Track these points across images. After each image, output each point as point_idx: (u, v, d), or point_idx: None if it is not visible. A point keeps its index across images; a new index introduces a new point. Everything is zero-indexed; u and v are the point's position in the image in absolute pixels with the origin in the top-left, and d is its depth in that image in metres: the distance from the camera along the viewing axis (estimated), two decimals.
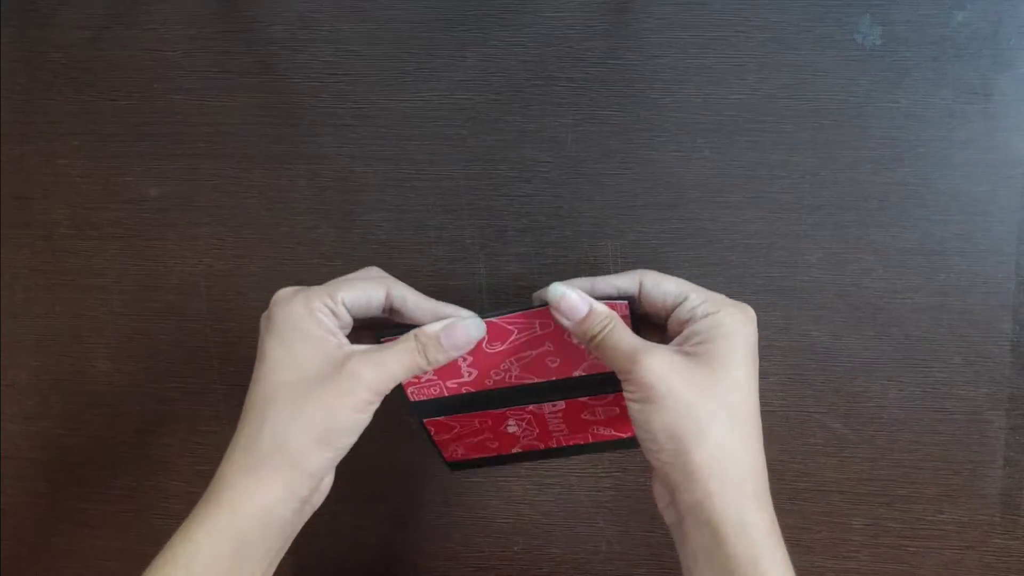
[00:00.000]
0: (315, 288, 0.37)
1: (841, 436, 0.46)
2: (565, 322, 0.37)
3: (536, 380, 0.41)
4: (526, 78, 0.46)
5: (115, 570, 0.53)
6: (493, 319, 0.38)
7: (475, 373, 0.40)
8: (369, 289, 0.37)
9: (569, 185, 0.46)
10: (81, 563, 0.53)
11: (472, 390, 0.41)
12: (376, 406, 0.36)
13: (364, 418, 0.35)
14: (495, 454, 0.46)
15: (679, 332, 0.37)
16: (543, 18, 0.45)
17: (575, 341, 0.39)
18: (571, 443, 0.45)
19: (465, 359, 0.40)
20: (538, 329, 0.39)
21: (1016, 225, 0.44)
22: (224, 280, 0.49)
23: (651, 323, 0.40)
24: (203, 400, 0.50)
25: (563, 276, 0.46)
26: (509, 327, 0.39)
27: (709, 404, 0.34)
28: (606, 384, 0.41)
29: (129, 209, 0.49)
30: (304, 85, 0.47)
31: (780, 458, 0.47)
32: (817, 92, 0.44)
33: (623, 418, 0.43)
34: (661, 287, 0.38)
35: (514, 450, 0.45)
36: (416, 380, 0.40)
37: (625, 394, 0.36)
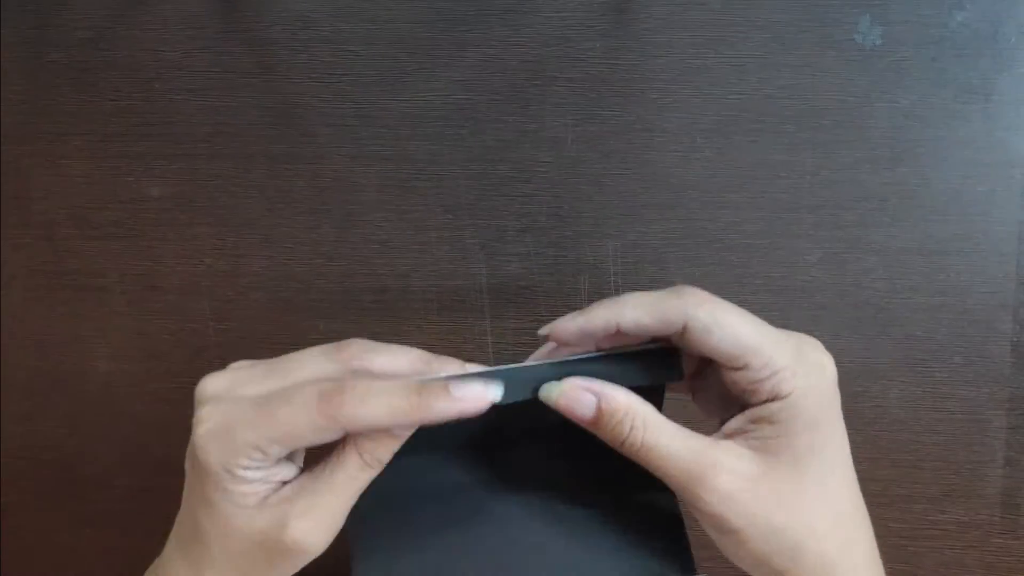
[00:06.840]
0: (241, 424, 0.28)
1: None
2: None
3: None
4: (526, 78, 0.46)
5: (115, 570, 0.53)
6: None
7: None
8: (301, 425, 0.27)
9: (569, 185, 0.46)
10: (81, 563, 0.53)
11: None
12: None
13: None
14: None
15: (737, 390, 0.29)
16: (543, 18, 0.45)
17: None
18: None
19: None
20: None
21: (1016, 225, 0.44)
22: (224, 280, 0.49)
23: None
24: None
25: (563, 276, 0.47)
26: None
27: (800, 520, 0.28)
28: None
29: (129, 209, 0.49)
30: (304, 85, 0.47)
31: None
32: (817, 92, 0.44)
33: None
34: (714, 336, 0.28)
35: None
36: None
37: (693, 512, 0.30)
